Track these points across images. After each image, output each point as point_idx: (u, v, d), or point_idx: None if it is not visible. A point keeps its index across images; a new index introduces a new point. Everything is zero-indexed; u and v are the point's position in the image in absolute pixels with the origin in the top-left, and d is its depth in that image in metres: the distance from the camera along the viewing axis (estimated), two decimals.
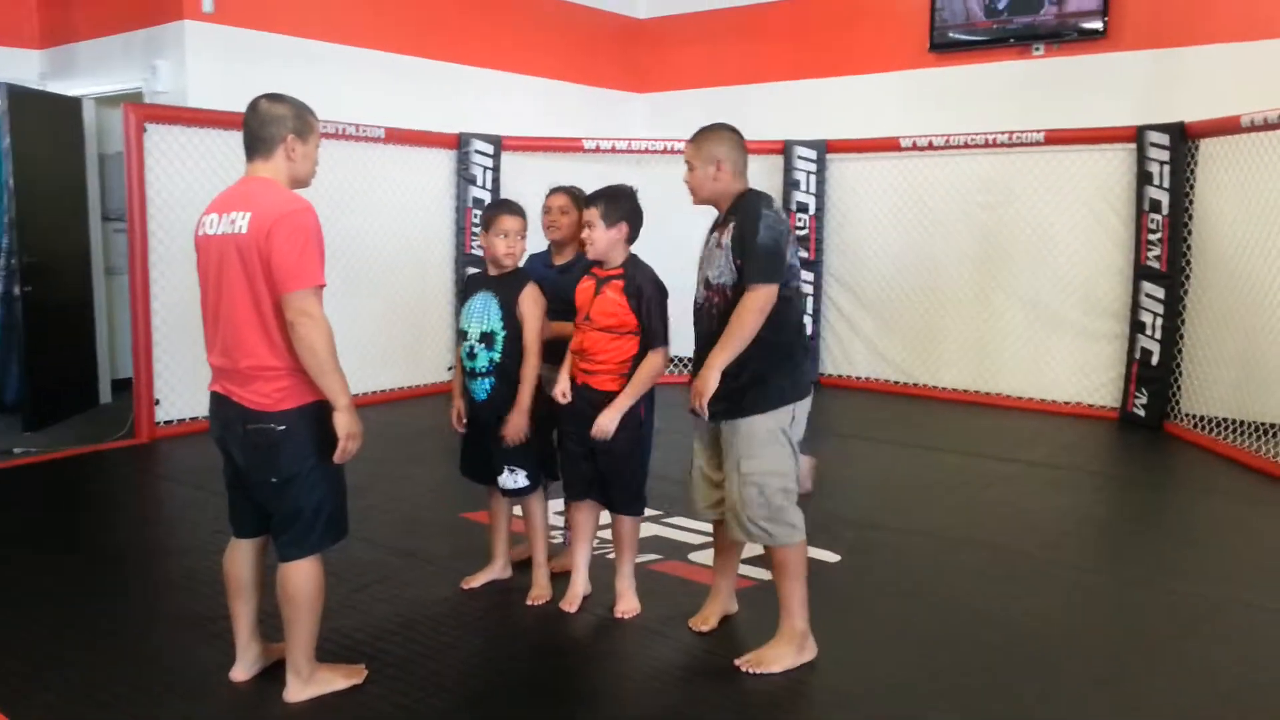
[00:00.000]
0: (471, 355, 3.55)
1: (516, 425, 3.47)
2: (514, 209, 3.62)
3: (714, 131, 3.21)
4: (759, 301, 2.97)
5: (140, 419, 6.04)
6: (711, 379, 2.99)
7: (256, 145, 2.81)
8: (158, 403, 6.12)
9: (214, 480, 5.12)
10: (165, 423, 6.16)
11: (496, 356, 3.51)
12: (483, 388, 3.56)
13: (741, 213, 3.09)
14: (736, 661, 3.11)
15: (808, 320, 7.11)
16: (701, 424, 3.24)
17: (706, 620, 3.39)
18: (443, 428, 4.06)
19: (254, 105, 2.82)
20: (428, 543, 4.24)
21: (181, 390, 6.24)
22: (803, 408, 3.13)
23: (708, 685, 3.04)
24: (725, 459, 3.15)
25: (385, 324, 7.34)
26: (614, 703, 2.98)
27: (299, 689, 2.88)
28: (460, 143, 7.70)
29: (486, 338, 3.54)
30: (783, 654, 3.10)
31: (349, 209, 6.94)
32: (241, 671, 3.01)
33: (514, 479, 3.58)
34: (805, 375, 3.18)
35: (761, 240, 2.99)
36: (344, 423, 2.74)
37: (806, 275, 7.50)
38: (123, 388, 6.89)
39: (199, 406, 6.32)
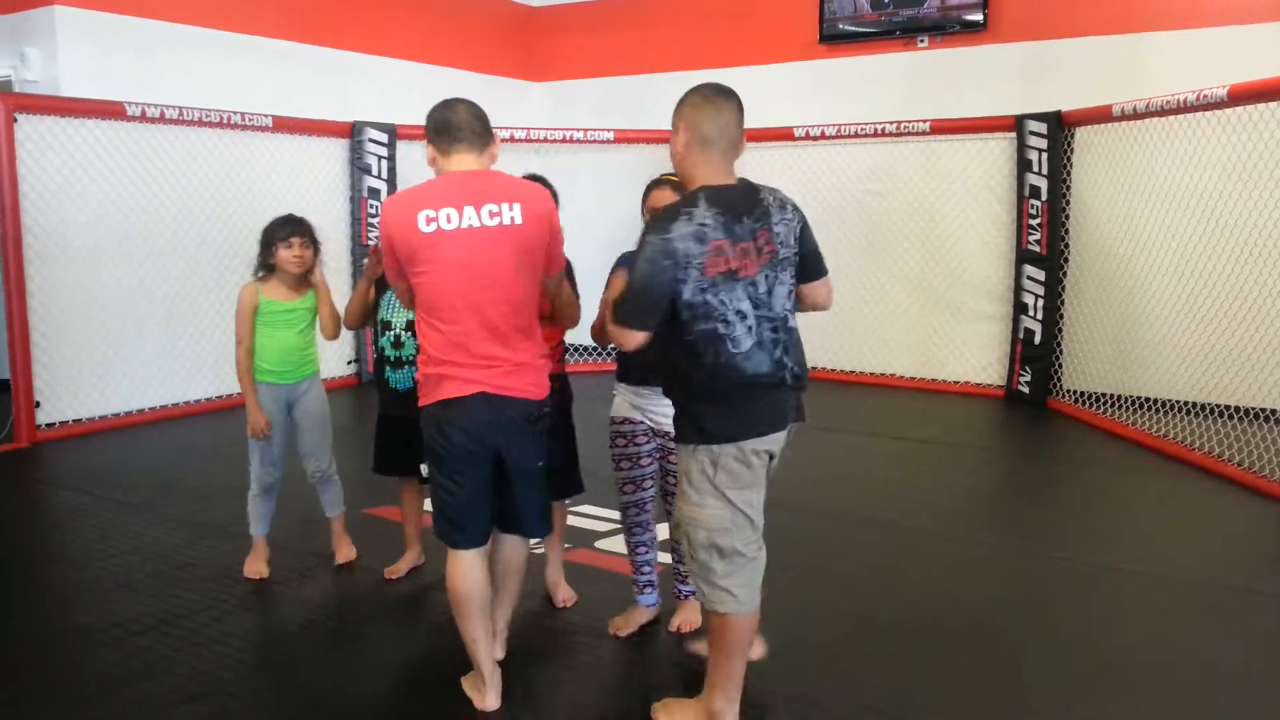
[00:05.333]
0: (398, 344, 3.55)
1: None
2: None
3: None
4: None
5: (19, 422, 5.78)
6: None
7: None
8: (38, 405, 5.87)
9: (98, 485, 5.01)
10: (47, 425, 5.92)
11: None
12: (410, 375, 3.55)
13: None
14: (654, 706, 2.80)
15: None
16: None
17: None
18: (338, 424, 4.00)
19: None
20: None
21: (63, 392, 6.01)
22: (728, 456, 2.53)
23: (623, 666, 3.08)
24: None
25: None
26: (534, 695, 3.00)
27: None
28: (353, 131, 7.55)
29: (413, 326, 3.52)
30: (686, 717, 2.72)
31: (236, 199, 6.75)
32: (495, 698, 2.81)
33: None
34: (732, 422, 2.52)
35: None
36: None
37: None
38: (0, 390, 6.58)
39: (81, 408, 6.10)
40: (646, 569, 3.33)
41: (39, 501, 5.00)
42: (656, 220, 2.51)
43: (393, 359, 3.58)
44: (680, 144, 2.58)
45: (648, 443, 3.24)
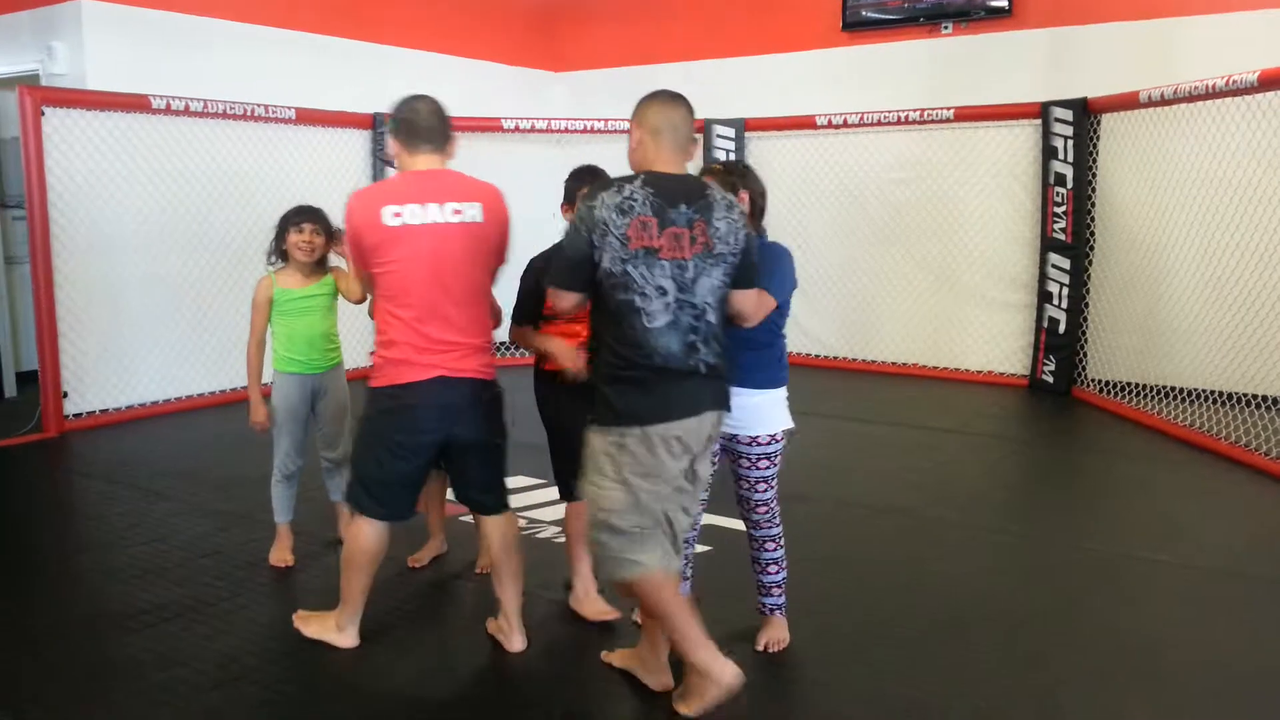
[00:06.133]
0: None
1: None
2: None
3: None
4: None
5: (47, 412, 5.85)
6: None
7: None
8: (66, 395, 5.94)
9: (125, 474, 5.07)
10: (74, 416, 5.98)
11: None
12: None
13: None
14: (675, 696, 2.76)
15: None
16: None
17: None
18: (358, 415, 4.01)
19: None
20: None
21: (90, 383, 6.07)
22: (633, 439, 2.55)
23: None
24: None
25: None
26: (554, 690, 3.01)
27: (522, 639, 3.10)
28: (375, 123, 7.57)
29: None
30: (693, 690, 2.68)
31: (260, 191, 6.78)
32: (355, 635, 3.13)
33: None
34: (640, 404, 2.56)
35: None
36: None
37: None
38: (28, 381, 6.65)
39: (108, 398, 6.17)
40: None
41: (67, 490, 5.06)
42: (590, 189, 2.63)
43: None
44: (634, 140, 2.71)
45: None
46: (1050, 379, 7.01)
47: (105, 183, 6.09)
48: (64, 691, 2.89)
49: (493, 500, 3.12)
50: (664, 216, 2.55)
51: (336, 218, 4.04)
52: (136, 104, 6.10)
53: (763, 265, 2.82)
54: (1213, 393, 5.93)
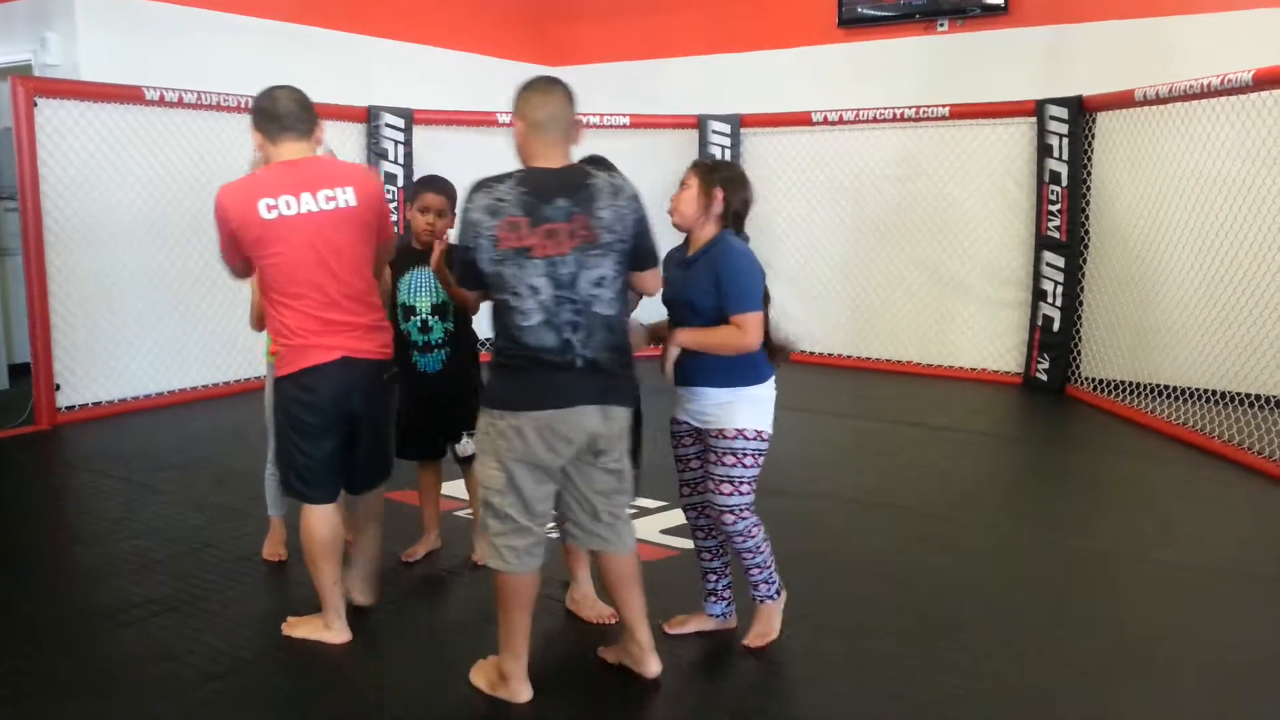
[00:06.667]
0: (425, 328, 3.55)
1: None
2: (438, 186, 3.57)
3: None
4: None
5: (40, 405, 5.82)
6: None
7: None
8: (58, 388, 5.91)
9: (118, 467, 5.05)
10: (66, 408, 5.96)
11: (451, 326, 3.57)
12: (439, 359, 3.58)
13: None
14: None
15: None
16: None
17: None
18: None
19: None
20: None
21: (83, 375, 6.04)
22: (506, 424, 2.61)
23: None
24: None
25: None
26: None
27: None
28: (369, 116, 7.54)
29: (440, 309, 3.55)
30: (482, 674, 2.88)
31: None
32: (347, 631, 3.12)
33: (474, 443, 3.61)
34: (513, 392, 2.63)
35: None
36: None
37: None
38: (21, 373, 6.63)
39: (101, 391, 6.14)
40: (712, 577, 3.17)
41: (60, 483, 5.04)
42: (469, 190, 2.64)
43: (421, 344, 3.56)
44: (518, 133, 2.70)
45: (693, 444, 3.09)
46: (1044, 377, 7.02)
47: (98, 174, 6.06)
48: (58, 686, 2.87)
49: (379, 476, 3.25)
50: (536, 214, 2.56)
51: None
52: (130, 95, 6.07)
53: (726, 277, 2.83)
54: (1206, 391, 5.95)
